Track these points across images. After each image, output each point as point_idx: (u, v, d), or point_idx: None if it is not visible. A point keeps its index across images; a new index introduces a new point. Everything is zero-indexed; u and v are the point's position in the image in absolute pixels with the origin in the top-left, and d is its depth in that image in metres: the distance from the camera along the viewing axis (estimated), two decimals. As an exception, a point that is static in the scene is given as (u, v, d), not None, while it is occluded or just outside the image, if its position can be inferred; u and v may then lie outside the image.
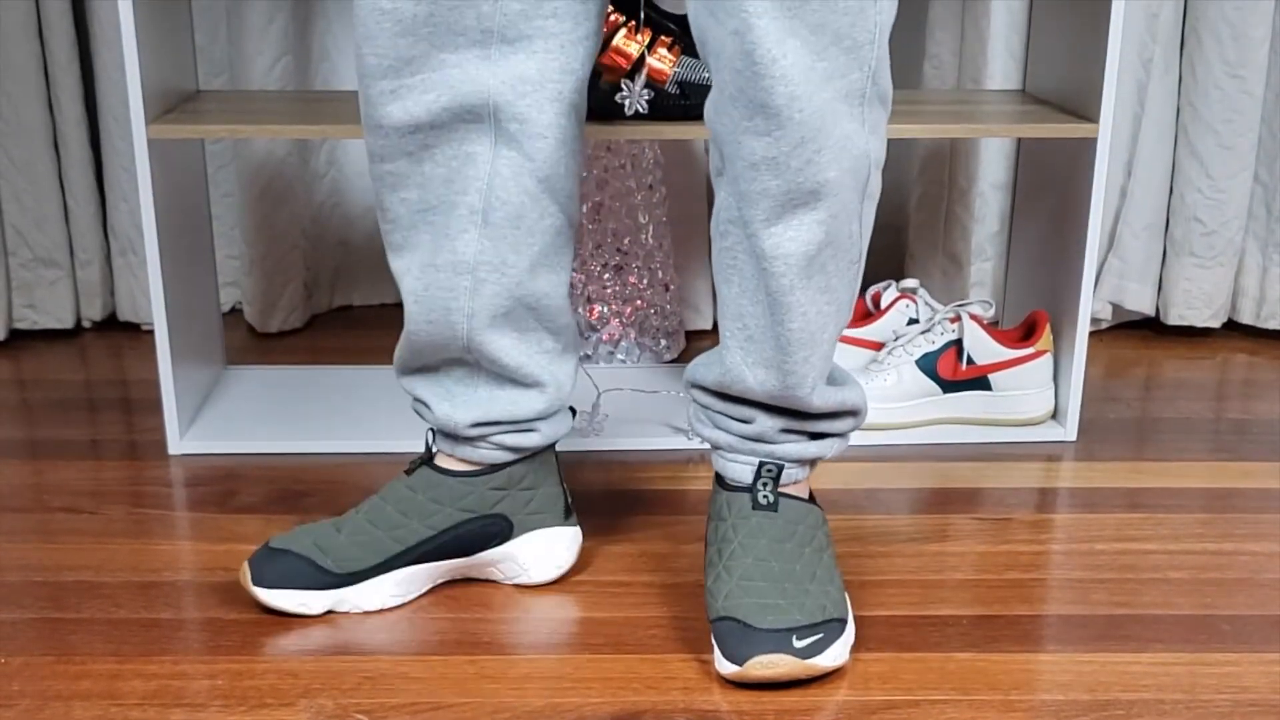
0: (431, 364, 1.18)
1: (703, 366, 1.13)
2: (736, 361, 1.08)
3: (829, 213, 1.02)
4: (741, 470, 1.13)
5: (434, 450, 1.20)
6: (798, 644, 1.05)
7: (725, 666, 1.06)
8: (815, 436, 1.14)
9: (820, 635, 1.06)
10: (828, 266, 1.05)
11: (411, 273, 1.13)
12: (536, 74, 1.05)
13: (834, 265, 1.05)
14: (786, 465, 1.13)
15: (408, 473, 1.19)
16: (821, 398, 1.10)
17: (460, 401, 1.17)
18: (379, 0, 1.03)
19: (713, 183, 1.09)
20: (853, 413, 1.14)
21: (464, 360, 1.16)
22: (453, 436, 1.18)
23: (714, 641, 1.07)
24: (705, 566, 1.14)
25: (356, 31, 1.05)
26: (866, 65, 1.00)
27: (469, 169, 1.09)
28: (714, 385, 1.12)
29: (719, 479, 1.16)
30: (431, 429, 1.20)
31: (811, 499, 1.16)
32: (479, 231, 1.10)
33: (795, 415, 1.12)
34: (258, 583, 1.14)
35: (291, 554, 1.15)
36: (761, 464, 1.13)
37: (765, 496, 1.13)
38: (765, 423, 1.11)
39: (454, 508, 1.17)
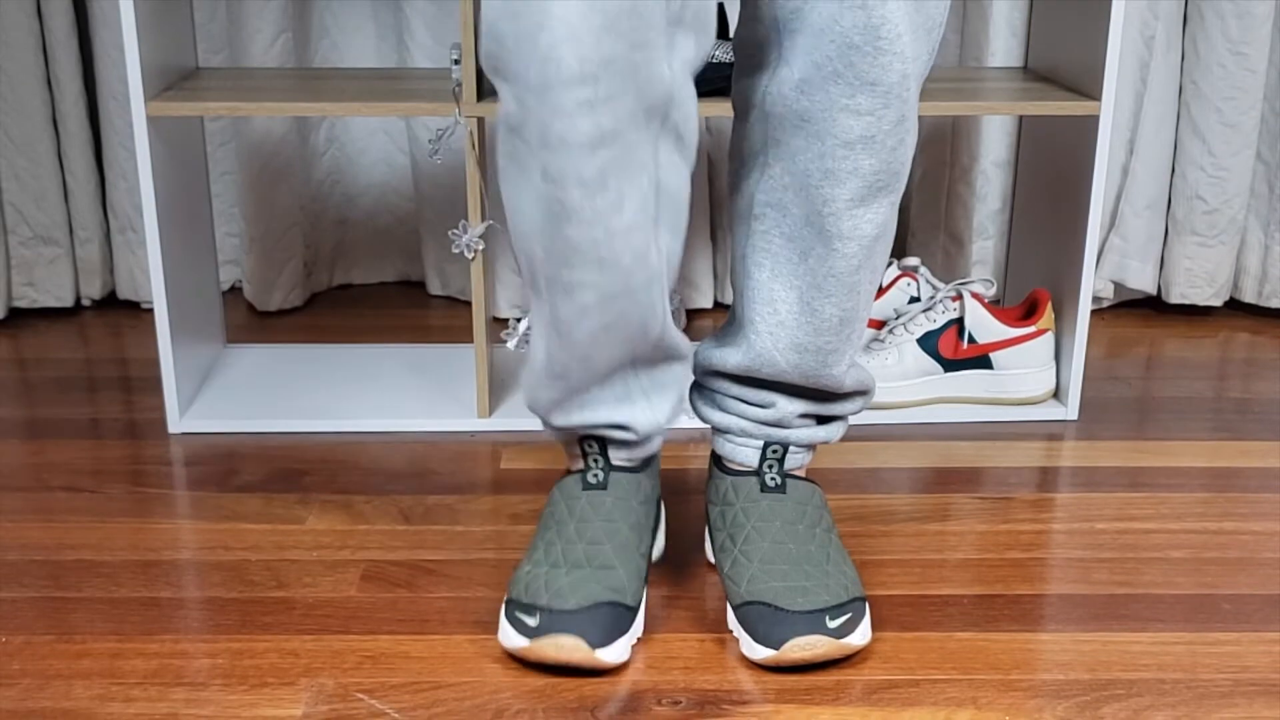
0: (597, 379, 1.06)
1: (717, 351, 1.12)
2: (767, 346, 1.08)
3: (897, 194, 1.04)
4: (747, 454, 1.13)
5: (612, 460, 1.11)
6: (831, 624, 1.04)
7: (758, 651, 1.05)
8: (823, 421, 1.14)
9: (850, 614, 1.06)
10: (881, 248, 1.06)
11: (590, 306, 1.00)
12: (694, 54, 0.99)
13: (884, 245, 1.06)
14: (793, 448, 1.13)
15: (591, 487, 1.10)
16: (850, 376, 1.11)
17: (654, 401, 1.09)
18: None
19: (743, 161, 1.06)
20: (865, 391, 1.15)
21: (635, 361, 1.06)
22: (645, 440, 1.10)
23: (739, 627, 1.07)
24: (716, 552, 1.13)
25: (537, 24, 0.89)
26: (934, 49, 1.01)
27: (640, 179, 0.96)
28: (736, 370, 1.10)
29: (719, 462, 1.16)
30: (597, 447, 1.11)
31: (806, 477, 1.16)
32: (658, 231, 1.00)
33: (816, 398, 1.12)
34: (598, 646, 1.03)
35: (604, 605, 1.04)
36: (767, 444, 1.12)
37: (773, 479, 1.12)
38: (786, 407, 1.11)
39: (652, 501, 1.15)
